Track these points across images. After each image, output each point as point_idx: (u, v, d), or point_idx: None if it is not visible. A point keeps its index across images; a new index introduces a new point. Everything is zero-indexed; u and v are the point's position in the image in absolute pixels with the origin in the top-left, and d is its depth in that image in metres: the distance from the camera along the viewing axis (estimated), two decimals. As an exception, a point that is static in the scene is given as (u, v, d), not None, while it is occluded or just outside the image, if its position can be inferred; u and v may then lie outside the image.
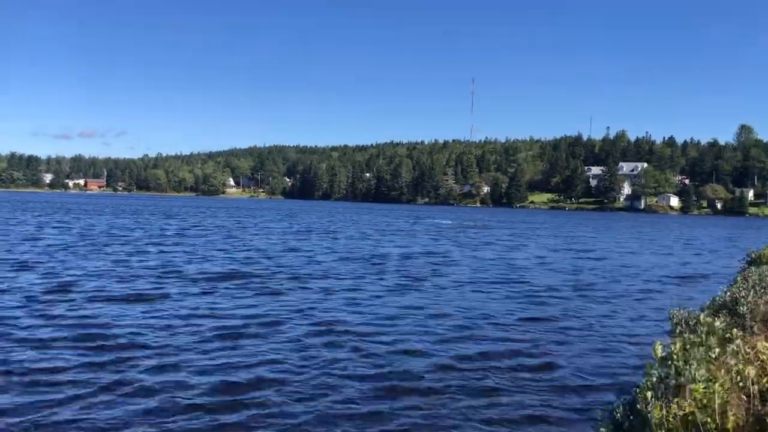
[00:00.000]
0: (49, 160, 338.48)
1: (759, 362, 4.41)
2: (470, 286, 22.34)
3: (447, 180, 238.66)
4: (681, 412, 3.62)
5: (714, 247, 49.80)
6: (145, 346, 12.17)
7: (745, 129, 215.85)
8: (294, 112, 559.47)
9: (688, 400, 3.54)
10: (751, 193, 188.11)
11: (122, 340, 12.58)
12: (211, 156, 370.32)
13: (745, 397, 3.86)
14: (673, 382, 4.00)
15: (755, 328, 5.72)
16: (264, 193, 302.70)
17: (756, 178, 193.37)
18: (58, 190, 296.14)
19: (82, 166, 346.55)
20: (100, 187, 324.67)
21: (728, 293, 7.49)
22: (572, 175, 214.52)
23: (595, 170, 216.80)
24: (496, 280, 24.27)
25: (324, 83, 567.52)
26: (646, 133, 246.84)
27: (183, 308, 16.13)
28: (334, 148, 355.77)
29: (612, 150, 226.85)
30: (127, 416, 8.68)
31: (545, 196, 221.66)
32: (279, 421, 8.70)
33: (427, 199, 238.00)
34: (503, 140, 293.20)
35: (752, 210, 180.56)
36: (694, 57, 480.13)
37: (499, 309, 17.72)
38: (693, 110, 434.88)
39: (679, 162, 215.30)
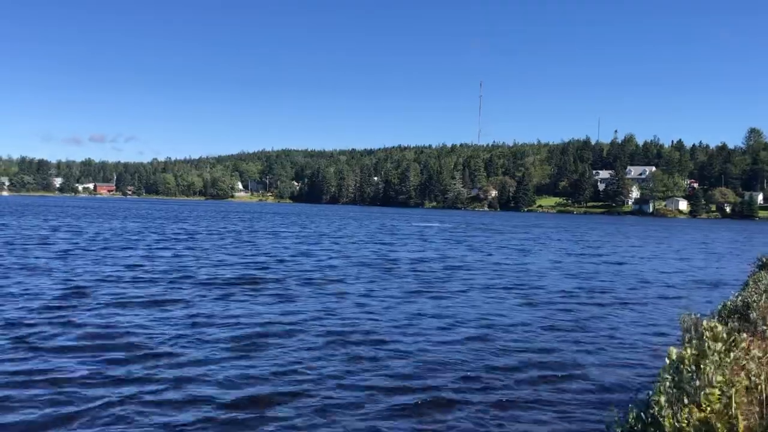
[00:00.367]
0: (59, 165, 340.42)
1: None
2: (485, 291, 22.40)
3: (455, 184, 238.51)
4: (694, 418, 3.63)
5: (727, 251, 49.64)
6: (163, 354, 12.19)
7: (754, 132, 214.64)
8: (302, 116, 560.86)
9: (702, 406, 3.76)
10: (760, 197, 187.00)
11: (141, 347, 12.65)
12: (219, 160, 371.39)
13: (757, 403, 3.87)
14: (687, 387, 4.03)
15: (768, 333, 5.85)
16: (272, 197, 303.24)
17: (765, 181, 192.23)
18: (68, 194, 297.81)
19: (91, 171, 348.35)
20: (109, 191, 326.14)
21: (739, 298, 7.59)
22: (580, 179, 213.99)
23: (603, 174, 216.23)
24: (511, 285, 24.34)
25: (332, 87, 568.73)
26: (655, 136, 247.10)
27: (199, 314, 16.25)
28: (342, 152, 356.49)
29: (620, 154, 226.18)
30: (147, 427, 8.75)
31: (553, 200, 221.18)
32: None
33: (434, 203, 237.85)
34: (511, 144, 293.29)
35: (762, 214, 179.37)
36: (703, 60, 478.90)
37: (516, 316, 17.77)
38: (701, 114, 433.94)
39: (687, 166, 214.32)
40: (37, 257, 28.16)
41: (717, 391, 3.62)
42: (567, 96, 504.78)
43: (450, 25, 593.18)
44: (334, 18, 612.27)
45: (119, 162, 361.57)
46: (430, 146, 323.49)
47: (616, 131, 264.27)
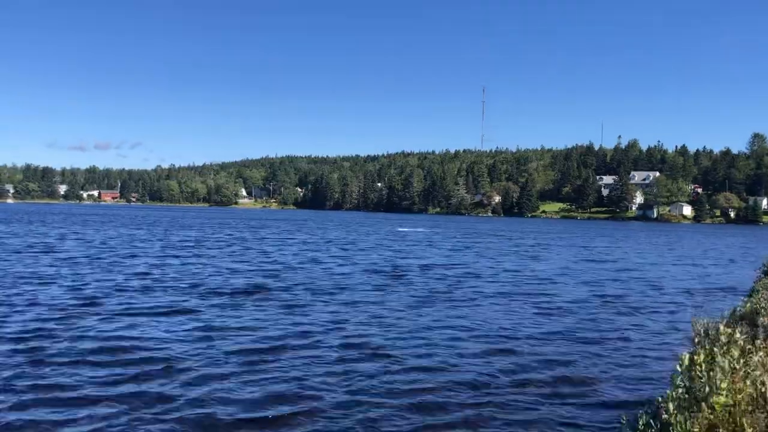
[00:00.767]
0: (63, 172, 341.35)
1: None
2: (495, 298, 22.39)
3: (458, 190, 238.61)
4: (703, 423, 3.60)
5: (734, 256, 49.58)
6: (173, 366, 12.12)
7: (758, 137, 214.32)
8: (305, 122, 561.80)
9: (710, 412, 3.76)
10: (764, 202, 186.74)
11: (152, 358, 12.65)
12: (223, 167, 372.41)
13: (763, 411, 3.97)
14: (698, 393, 4.16)
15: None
16: (276, 204, 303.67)
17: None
18: (73, 201, 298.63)
19: (96, 178, 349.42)
20: (113, 198, 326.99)
21: (747, 304, 7.70)
22: (584, 184, 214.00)
23: (607, 179, 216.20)
24: (521, 291, 24.34)
25: (335, 94, 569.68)
26: (658, 142, 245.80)
27: (209, 325, 16.23)
28: (345, 159, 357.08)
29: (624, 159, 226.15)
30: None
31: (557, 206, 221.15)
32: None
33: (438, 209, 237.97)
34: (514, 150, 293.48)
35: (766, 219, 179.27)
36: (707, 65, 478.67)
37: (527, 322, 17.77)
38: (705, 119, 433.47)
39: (691, 171, 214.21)
40: (45, 266, 28.23)
41: (723, 398, 3.69)
42: (570, 101, 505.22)
43: (453, 31, 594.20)
44: (337, 24, 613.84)
45: (123, 169, 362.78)
46: (433, 152, 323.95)
47: (619, 137, 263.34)
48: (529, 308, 20.46)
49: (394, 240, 59.54)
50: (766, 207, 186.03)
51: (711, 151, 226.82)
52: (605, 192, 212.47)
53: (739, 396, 3.58)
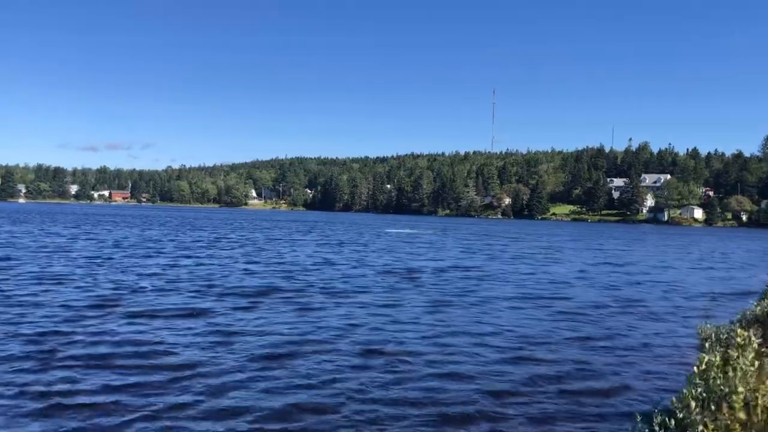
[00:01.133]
0: (75, 172, 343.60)
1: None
2: (510, 301, 22.30)
3: (468, 191, 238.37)
4: (719, 425, 3.59)
5: (751, 260, 49.17)
6: (189, 368, 12.09)
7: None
8: (315, 124, 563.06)
9: (728, 413, 3.87)
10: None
11: (167, 360, 12.64)
12: (233, 168, 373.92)
13: None
14: (714, 395, 4.27)
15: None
16: (285, 205, 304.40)
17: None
18: (84, 202, 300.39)
19: (107, 178, 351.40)
20: (124, 198, 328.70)
21: (758, 307, 7.76)
22: (594, 186, 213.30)
23: (618, 182, 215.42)
24: (537, 295, 24.21)
25: (344, 95, 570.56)
26: (669, 144, 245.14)
27: (225, 326, 16.24)
28: (354, 160, 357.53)
29: (635, 162, 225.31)
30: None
31: (567, 208, 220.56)
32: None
33: (448, 211, 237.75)
34: (524, 152, 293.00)
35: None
36: (718, 67, 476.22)
37: (543, 326, 17.69)
38: (717, 121, 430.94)
39: (702, 174, 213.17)
40: (58, 266, 28.40)
41: (741, 398, 3.77)
42: (581, 104, 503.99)
43: (463, 33, 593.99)
44: (347, 26, 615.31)
45: (134, 169, 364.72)
46: (443, 154, 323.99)
47: (630, 139, 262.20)
48: (545, 312, 20.34)
49: (406, 242, 59.61)
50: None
51: (723, 154, 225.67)
52: (616, 194, 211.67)
53: (762, 397, 3.66)
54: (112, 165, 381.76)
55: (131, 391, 10.67)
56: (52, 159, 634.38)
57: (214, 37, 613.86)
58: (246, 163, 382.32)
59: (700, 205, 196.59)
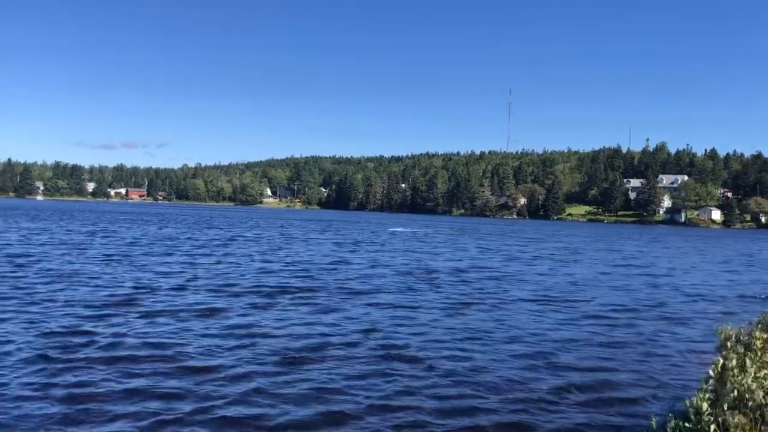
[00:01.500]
0: (92, 170, 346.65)
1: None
2: (529, 303, 22.06)
3: (483, 191, 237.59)
4: (734, 423, 3.65)
5: (768, 263, 48.63)
6: (210, 368, 12.05)
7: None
8: (330, 123, 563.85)
9: (743, 413, 3.76)
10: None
11: (187, 361, 12.53)
12: (249, 166, 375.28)
13: None
14: (732, 395, 4.04)
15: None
16: (300, 203, 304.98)
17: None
18: (101, 199, 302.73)
19: (123, 176, 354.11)
20: (140, 196, 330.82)
21: None
22: (611, 187, 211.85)
23: (635, 182, 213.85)
24: (554, 296, 23.95)
25: (360, 94, 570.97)
26: (687, 145, 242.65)
27: (243, 325, 16.16)
28: (369, 159, 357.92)
29: (652, 162, 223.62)
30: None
31: (583, 209, 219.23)
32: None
33: (462, 211, 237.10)
34: (540, 151, 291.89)
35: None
36: (736, 67, 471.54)
37: (562, 328, 17.46)
38: (736, 122, 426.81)
39: (721, 175, 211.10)
40: (78, 263, 28.47)
41: (759, 399, 3.72)
42: (598, 104, 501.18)
43: (479, 33, 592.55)
44: (362, 25, 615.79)
45: (150, 168, 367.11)
46: (458, 153, 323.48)
47: (647, 139, 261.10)
48: (566, 314, 20.05)
49: (423, 242, 59.33)
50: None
51: (741, 155, 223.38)
52: (632, 195, 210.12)
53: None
54: (128, 163, 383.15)
55: (150, 392, 10.61)
56: (70, 157, 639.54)
57: (231, 36, 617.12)
58: (261, 161, 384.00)
59: (718, 207, 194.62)
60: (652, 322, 19.28)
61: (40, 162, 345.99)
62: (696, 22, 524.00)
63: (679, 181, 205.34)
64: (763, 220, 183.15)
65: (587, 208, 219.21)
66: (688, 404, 4.16)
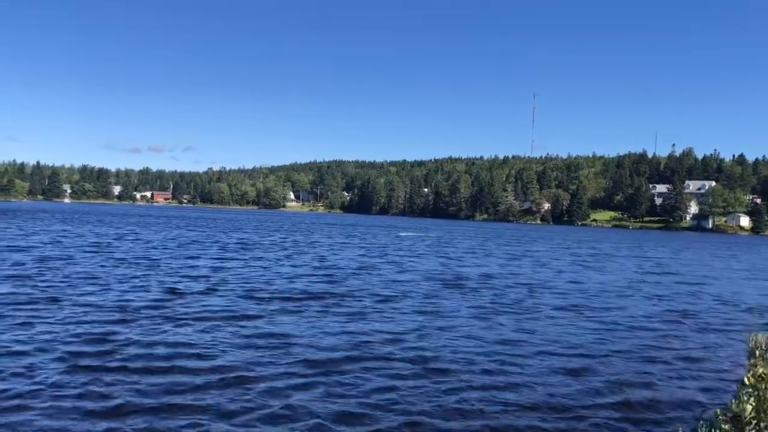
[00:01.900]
0: (118, 173, 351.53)
1: None
2: (560, 311, 21.63)
3: (506, 196, 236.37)
4: None
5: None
6: (239, 374, 11.97)
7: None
8: (353, 127, 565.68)
9: None
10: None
11: (218, 366, 12.47)
12: (272, 170, 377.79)
13: None
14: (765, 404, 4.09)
15: None
16: (323, 207, 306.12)
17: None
18: (127, 202, 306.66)
19: (149, 179, 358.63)
20: (166, 199, 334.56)
21: None
22: (636, 192, 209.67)
23: (660, 188, 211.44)
24: (586, 305, 23.49)
25: (382, 99, 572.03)
26: (715, 150, 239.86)
27: (273, 331, 16.05)
28: (392, 163, 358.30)
29: (678, 168, 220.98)
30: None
31: (608, 214, 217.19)
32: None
33: (485, 216, 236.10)
34: (565, 156, 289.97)
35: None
36: (765, 72, 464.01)
37: (595, 338, 17.10)
38: (765, 127, 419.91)
39: (749, 181, 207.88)
40: (106, 267, 28.58)
41: None
42: (623, 108, 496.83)
43: (503, 37, 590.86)
44: (386, 33, 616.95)
45: (176, 171, 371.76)
46: (481, 158, 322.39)
47: (674, 145, 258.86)
48: (596, 323, 19.67)
49: (448, 246, 58.97)
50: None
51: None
52: (658, 201, 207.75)
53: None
54: (154, 166, 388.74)
55: (178, 396, 10.63)
56: (97, 160, 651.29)
57: (256, 41, 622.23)
58: (284, 165, 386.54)
59: (746, 213, 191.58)
60: (685, 331, 18.90)
61: (67, 165, 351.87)
62: (723, 29, 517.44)
63: (707, 187, 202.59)
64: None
65: (612, 213, 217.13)
66: (719, 412, 4.27)
